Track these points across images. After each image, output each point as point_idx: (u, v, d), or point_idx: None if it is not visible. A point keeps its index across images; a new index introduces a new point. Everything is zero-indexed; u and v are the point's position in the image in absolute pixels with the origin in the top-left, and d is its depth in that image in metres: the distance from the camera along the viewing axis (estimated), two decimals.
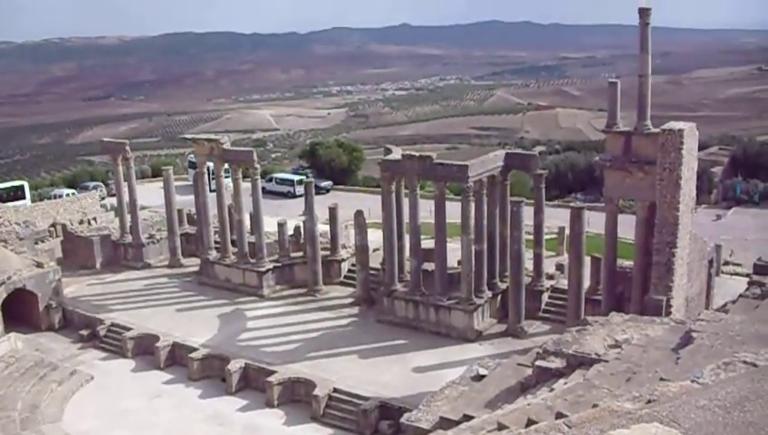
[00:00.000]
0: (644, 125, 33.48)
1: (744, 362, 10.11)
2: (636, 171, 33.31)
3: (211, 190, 51.48)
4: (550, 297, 42.57)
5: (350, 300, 45.89)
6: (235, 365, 37.58)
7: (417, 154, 40.66)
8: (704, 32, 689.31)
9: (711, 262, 40.16)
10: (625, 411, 8.90)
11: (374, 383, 35.30)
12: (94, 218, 62.52)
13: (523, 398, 23.10)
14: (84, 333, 43.76)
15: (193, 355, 39.15)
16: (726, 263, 48.88)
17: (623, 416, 8.69)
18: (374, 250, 46.67)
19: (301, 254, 48.52)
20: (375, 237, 46.20)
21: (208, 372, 38.95)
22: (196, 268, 51.44)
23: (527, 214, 39.99)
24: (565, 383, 21.78)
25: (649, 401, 9.21)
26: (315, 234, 46.57)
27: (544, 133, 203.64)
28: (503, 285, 41.94)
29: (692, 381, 9.51)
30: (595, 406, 11.01)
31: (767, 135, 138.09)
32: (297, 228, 50.21)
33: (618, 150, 34.15)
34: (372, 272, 45.76)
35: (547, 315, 41.72)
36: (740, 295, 29.13)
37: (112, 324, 43.69)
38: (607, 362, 21.86)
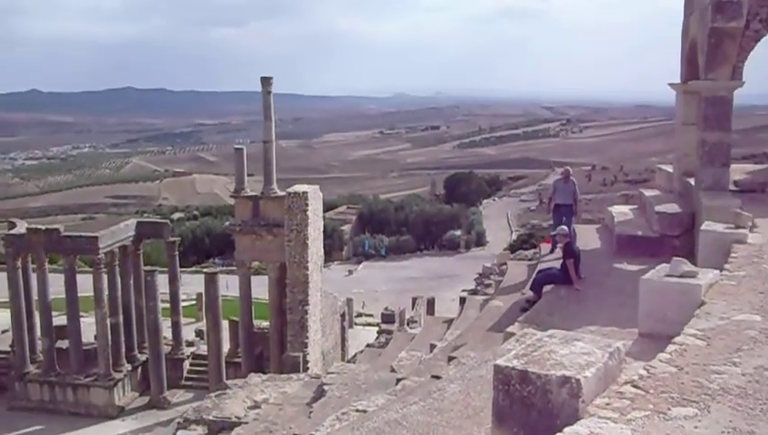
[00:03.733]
0: (270, 189, 34.75)
1: (357, 411, 10.80)
2: (265, 234, 34.43)
3: None
4: (191, 364, 42.35)
5: None
6: None
7: (42, 227, 39.08)
8: (332, 99, 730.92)
9: (343, 315, 42.31)
10: None
11: None
12: None
13: None
14: None
15: None
16: (359, 315, 51.78)
17: None
18: (2, 332, 43.77)
19: None
20: (2, 318, 43.26)
21: None
22: None
23: (163, 282, 39.63)
24: None
25: None
26: None
27: (182, 199, 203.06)
28: (142, 357, 41.03)
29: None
30: None
31: (390, 193, 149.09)
32: None
33: (247, 215, 35.14)
34: (1, 356, 42.67)
35: (190, 383, 41.42)
36: (367, 345, 31.05)
37: None
38: (247, 423, 22.12)
